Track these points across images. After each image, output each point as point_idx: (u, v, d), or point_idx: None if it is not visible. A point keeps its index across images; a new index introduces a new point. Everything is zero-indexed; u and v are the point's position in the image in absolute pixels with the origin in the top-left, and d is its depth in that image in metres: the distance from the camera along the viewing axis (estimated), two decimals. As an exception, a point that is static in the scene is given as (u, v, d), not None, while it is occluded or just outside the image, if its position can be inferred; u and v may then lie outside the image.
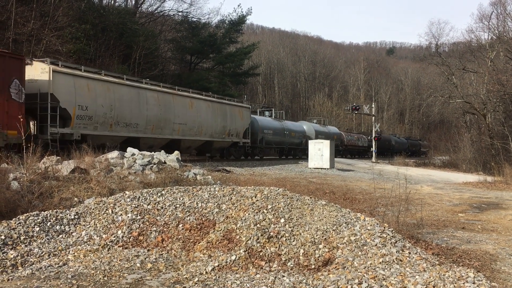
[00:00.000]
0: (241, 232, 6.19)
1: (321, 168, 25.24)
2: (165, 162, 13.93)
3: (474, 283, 4.70)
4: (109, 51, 31.27)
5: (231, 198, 7.22)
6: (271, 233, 6.04)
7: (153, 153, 14.38)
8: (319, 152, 26.05)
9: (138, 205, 7.36)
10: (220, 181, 13.46)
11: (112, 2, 39.29)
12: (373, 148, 41.97)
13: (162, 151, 15.51)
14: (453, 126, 52.95)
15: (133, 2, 41.86)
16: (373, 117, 44.93)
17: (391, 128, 75.60)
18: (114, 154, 13.59)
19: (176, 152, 15.27)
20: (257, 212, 6.57)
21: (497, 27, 40.82)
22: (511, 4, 40.52)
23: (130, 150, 14.14)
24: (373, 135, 42.54)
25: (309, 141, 27.26)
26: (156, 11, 43.14)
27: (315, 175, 21.41)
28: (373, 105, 45.11)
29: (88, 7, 30.96)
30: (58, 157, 12.29)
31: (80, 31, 28.36)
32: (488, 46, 39.32)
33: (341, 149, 44.63)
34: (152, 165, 13.17)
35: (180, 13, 43.13)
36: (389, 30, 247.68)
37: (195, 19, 43.49)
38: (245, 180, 15.68)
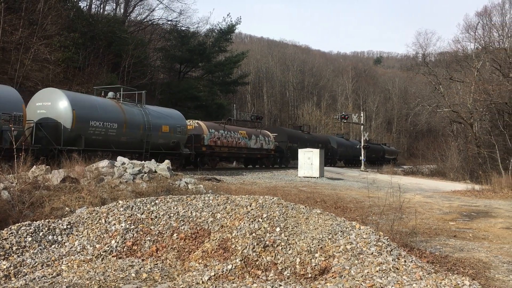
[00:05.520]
0: (237, 241, 6.18)
1: (311, 177, 25.30)
2: (155, 171, 13.86)
3: (470, 291, 4.74)
4: (98, 60, 31.16)
5: (226, 207, 7.20)
6: (267, 242, 6.03)
7: (143, 162, 14.31)
8: (309, 161, 26.11)
9: (131, 215, 7.31)
10: (212, 190, 13.43)
11: (101, 10, 39.27)
12: (362, 157, 42.17)
13: (153, 160, 15.46)
14: (440, 135, 53.47)
15: (122, 10, 41.88)
16: (362, 126, 45.20)
17: (379, 137, 76.01)
18: (104, 163, 13.51)
19: (167, 161, 15.24)
20: (252, 221, 6.56)
21: (483, 37, 41.54)
22: (497, 15, 41.12)
23: (120, 159, 14.08)
24: (362, 144, 42.74)
25: (299, 150, 27.27)
26: (145, 20, 43.19)
27: (305, 183, 21.44)
28: (361, 114, 45.40)
29: (77, 16, 30.90)
30: (47, 166, 12.18)
31: (69, 39, 28.28)
32: (474, 56, 39.91)
33: (186, 153, 23.38)
34: (143, 174, 13.11)
35: (169, 22, 43.26)
36: (376, 40, 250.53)
37: (184, 28, 43.63)
38: (236, 189, 15.66)
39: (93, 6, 38.61)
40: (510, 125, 33.90)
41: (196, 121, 26.87)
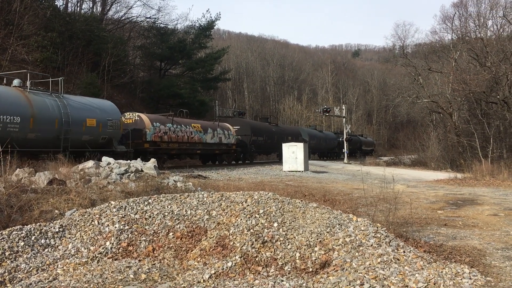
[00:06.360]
0: (235, 238, 6.14)
1: (296, 171, 25.37)
2: (142, 170, 13.74)
3: (470, 278, 4.81)
4: (77, 59, 30.66)
5: (221, 204, 7.16)
6: (266, 238, 6.01)
7: (129, 161, 14.17)
8: (293, 155, 26.19)
9: (125, 215, 7.21)
10: (201, 187, 13.35)
11: (78, 9, 38.64)
12: (345, 150, 42.48)
13: (139, 159, 15.31)
14: (420, 126, 54.08)
15: (99, 8, 41.26)
16: (344, 119, 45.48)
17: (360, 129, 76.61)
18: (89, 163, 13.34)
19: (153, 159, 15.09)
20: (249, 217, 6.53)
21: (460, 28, 42.14)
22: (472, 5, 41.75)
23: (105, 159, 13.91)
24: (345, 137, 43.04)
25: (283, 144, 27.33)
26: (123, 18, 42.65)
27: (290, 178, 21.49)
28: (343, 107, 45.68)
29: (53, 15, 30.34)
30: (31, 169, 11.96)
31: (47, 39, 27.76)
32: (451, 47, 40.46)
33: (121, 151, 20.23)
34: (129, 173, 12.97)
35: (148, 19, 42.80)
36: (354, 33, 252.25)
37: (163, 25, 43.21)
38: (224, 186, 15.60)
39: (69, 4, 38.01)
40: (488, 114, 34.53)
41: (137, 113, 23.58)
